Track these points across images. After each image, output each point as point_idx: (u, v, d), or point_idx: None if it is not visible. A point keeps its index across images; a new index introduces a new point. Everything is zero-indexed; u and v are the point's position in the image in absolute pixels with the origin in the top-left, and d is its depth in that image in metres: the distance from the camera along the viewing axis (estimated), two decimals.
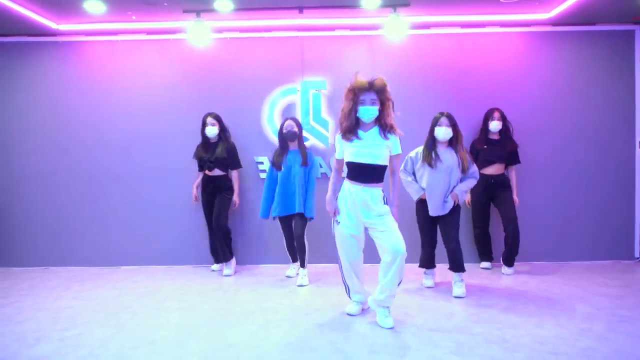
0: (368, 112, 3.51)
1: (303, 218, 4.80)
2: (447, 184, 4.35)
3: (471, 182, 4.46)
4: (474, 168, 4.45)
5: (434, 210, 4.37)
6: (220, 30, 5.61)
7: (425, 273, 4.71)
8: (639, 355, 2.99)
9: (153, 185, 5.70)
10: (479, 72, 5.65)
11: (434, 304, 4.05)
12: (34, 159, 5.73)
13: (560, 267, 5.38)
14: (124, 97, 5.71)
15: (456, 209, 4.41)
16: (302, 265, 4.84)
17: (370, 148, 3.50)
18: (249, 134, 5.58)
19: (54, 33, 5.59)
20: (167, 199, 5.64)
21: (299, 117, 5.63)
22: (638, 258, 5.60)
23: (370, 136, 3.54)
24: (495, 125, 5.13)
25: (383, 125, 3.56)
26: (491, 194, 5.19)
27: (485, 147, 5.19)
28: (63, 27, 5.44)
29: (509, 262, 5.07)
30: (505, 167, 5.23)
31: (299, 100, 5.65)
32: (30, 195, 5.74)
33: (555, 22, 5.55)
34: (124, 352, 3.10)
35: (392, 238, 3.38)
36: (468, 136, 5.37)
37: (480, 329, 3.42)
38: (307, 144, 5.62)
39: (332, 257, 4.84)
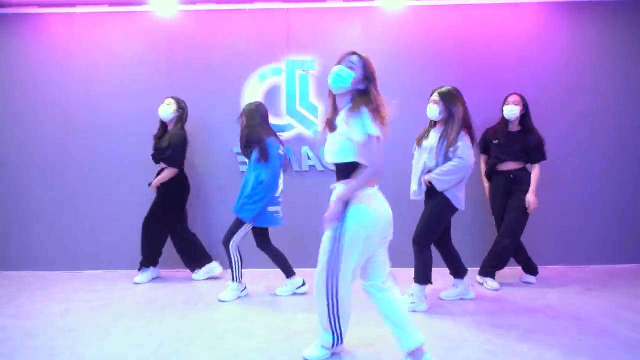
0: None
1: (237, 220, 3.98)
2: (424, 166, 3.74)
3: (452, 167, 3.58)
4: (464, 151, 3.60)
5: (411, 194, 3.87)
6: (194, 2, 4.89)
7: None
8: None
9: (119, 177, 5.01)
10: (488, 48, 4.95)
11: (439, 325, 3.39)
12: None
13: (580, 272, 4.72)
14: (84, 77, 5.01)
15: (437, 202, 3.69)
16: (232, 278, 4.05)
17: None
18: (227, 122, 4.84)
19: (4, 4, 4.88)
20: (134, 194, 4.95)
21: (284, 101, 4.93)
22: None
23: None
24: (508, 111, 4.30)
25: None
26: (510, 193, 4.40)
27: (496, 141, 4.40)
28: None
29: (486, 272, 4.32)
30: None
31: (284, 82, 4.94)
32: None
33: None
34: None
35: None
36: (475, 121, 4.66)
37: None
38: (293, 132, 4.94)
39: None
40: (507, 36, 4.96)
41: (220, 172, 4.94)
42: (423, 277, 3.70)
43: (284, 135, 4.89)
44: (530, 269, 4.44)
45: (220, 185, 4.94)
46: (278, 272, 4.21)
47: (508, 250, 4.27)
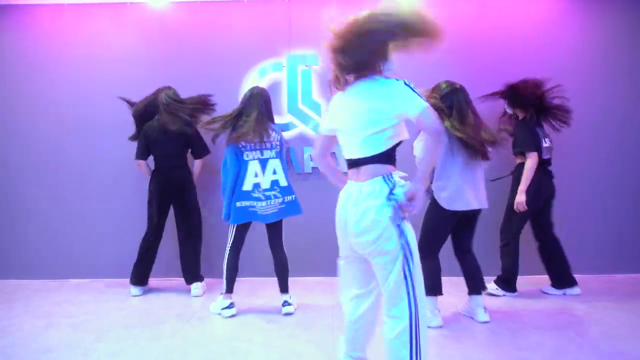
0: None
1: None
2: None
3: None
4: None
5: None
6: None
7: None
8: None
9: (113, 178, 4.68)
10: (494, 42, 4.64)
11: (456, 346, 3.06)
12: None
13: (605, 281, 4.39)
14: (73, 72, 4.70)
15: (428, 206, 3.44)
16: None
17: None
18: None
19: None
20: (129, 196, 4.62)
21: (285, 98, 4.61)
22: None
23: None
24: None
25: None
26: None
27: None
28: None
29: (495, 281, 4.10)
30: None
31: (285, 78, 4.61)
32: None
33: None
34: None
35: None
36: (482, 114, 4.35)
37: None
38: (294, 131, 4.62)
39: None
40: (514, 30, 4.64)
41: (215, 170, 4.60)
42: (430, 287, 3.30)
43: (285, 135, 4.57)
44: (559, 283, 4.08)
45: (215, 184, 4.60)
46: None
47: (505, 254, 4.02)
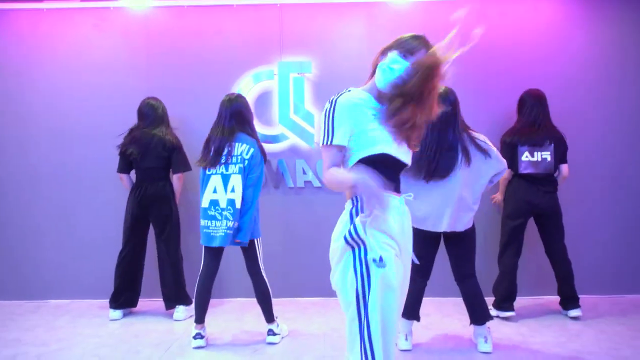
0: (402, 71, 1.88)
1: None
2: None
3: None
4: None
5: None
6: None
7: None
8: None
9: (92, 191, 4.42)
10: (501, 46, 4.37)
11: None
12: None
13: (616, 302, 4.13)
14: (53, 78, 4.44)
15: None
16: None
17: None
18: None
19: None
20: (109, 210, 4.36)
21: (276, 108, 4.37)
22: None
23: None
24: None
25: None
26: None
27: None
28: None
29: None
30: None
31: (276, 86, 4.37)
32: None
33: None
34: None
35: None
36: (487, 124, 4.12)
37: None
38: (286, 143, 4.39)
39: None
40: (521, 33, 4.40)
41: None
42: (405, 311, 3.09)
43: (276, 147, 4.33)
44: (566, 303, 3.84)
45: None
46: (275, 304, 3.56)
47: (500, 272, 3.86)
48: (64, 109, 4.45)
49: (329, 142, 1.84)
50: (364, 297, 1.77)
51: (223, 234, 3.23)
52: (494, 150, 3.13)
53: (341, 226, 1.87)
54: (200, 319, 3.31)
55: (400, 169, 1.97)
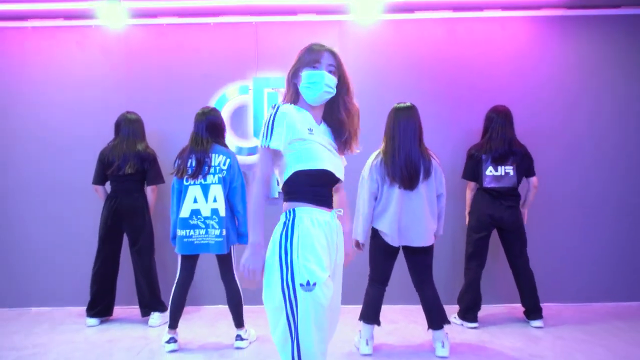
0: (322, 79, 1.96)
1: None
2: None
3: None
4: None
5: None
6: (154, 14, 4.52)
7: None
8: None
9: (73, 203, 4.56)
10: (474, 66, 4.56)
11: None
12: None
13: (580, 311, 4.25)
14: (36, 93, 4.61)
15: None
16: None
17: (331, 150, 2.06)
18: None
19: None
20: (90, 221, 4.48)
21: (250, 122, 4.53)
22: None
23: (322, 133, 2.07)
24: None
25: (337, 126, 2.09)
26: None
27: None
28: None
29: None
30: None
31: (251, 101, 4.54)
32: None
33: (569, 4, 4.49)
34: None
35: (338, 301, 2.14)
36: (457, 139, 4.31)
37: None
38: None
39: None
40: (494, 51, 4.59)
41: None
42: (366, 315, 3.32)
43: (251, 159, 4.49)
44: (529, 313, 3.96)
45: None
46: (246, 311, 3.68)
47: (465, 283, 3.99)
48: (50, 121, 4.59)
49: (266, 144, 1.94)
50: (293, 319, 1.84)
51: (214, 242, 3.38)
52: (441, 172, 3.31)
53: (273, 240, 1.94)
54: (174, 324, 3.44)
55: (334, 184, 2.07)
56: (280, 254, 1.88)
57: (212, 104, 4.47)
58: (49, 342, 3.65)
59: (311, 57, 2.00)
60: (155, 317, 4.01)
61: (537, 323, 3.87)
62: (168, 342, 3.42)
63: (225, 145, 3.60)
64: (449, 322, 3.38)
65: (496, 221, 3.91)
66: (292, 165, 1.98)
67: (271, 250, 1.93)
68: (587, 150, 4.54)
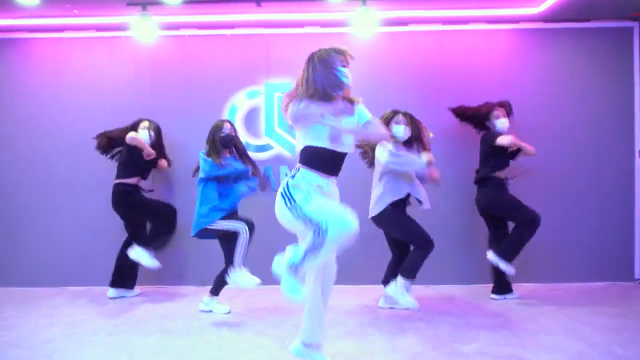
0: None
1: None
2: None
3: None
4: None
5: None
6: (175, 27, 5.10)
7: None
8: None
9: (102, 194, 5.09)
10: (461, 74, 5.15)
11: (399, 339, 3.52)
12: None
13: (551, 290, 4.85)
14: (71, 99, 5.20)
15: None
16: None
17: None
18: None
19: None
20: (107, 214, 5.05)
21: (262, 122, 5.13)
22: (638, 280, 5.07)
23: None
24: (502, 124, 4.57)
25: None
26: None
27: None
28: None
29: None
30: None
31: (263, 104, 5.13)
32: None
33: (546, 17, 5.05)
34: None
35: None
36: (448, 141, 4.91)
37: None
38: (271, 152, 5.15)
39: None
40: (480, 60, 5.17)
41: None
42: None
43: (263, 155, 5.08)
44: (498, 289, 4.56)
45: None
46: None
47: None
48: (80, 123, 5.15)
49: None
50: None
51: None
52: None
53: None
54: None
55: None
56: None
57: (228, 107, 5.08)
58: (92, 312, 4.27)
59: (338, 57, 2.83)
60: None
61: (514, 295, 4.52)
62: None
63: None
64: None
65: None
66: (308, 139, 2.78)
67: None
68: (564, 146, 5.10)
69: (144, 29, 4.60)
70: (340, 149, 2.73)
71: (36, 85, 5.22)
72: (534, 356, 3.13)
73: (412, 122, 4.20)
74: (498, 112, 4.57)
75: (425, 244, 4.01)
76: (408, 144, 4.19)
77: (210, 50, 5.18)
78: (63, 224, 5.18)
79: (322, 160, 2.73)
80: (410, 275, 4.01)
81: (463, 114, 4.72)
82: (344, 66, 2.74)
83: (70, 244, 5.17)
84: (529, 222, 4.32)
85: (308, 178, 2.71)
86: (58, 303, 4.58)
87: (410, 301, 4.00)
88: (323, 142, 2.68)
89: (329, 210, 2.54)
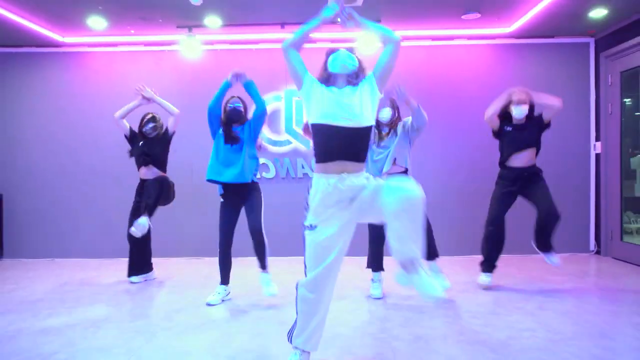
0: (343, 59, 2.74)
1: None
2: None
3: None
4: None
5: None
6: (211, 43, 6.14)
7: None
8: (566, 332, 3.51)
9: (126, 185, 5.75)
10: (448, 82, 6.18)
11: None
12: (41, 159, 6.28)
13: (521, 260, 5.82)
14: (122, 104, 6.18)
15: None
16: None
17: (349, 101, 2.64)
18: None
19: (59, 45, 6.12)
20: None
21: (283, 122, 6.17)
22: (593, 251, 6.12)
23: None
24: (520, 112, 4.62)
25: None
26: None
27: (509, 128, 4.63)
28: (68, 39, 5.98)
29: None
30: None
31: (283, 106, 6.17)
32: (36, 191, 6.28)
33: (517, 35, 6.08)
34: (124, 325, 3.63)
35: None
36: (436, 144, 5.91)
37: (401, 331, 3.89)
38: (290, 145, 6.17)
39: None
40: (463, 71, 6.21)
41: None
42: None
43: (282, 149, 6.13)
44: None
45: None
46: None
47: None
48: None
49: None
50: (304, 247, 2.64)
51: None
52: None
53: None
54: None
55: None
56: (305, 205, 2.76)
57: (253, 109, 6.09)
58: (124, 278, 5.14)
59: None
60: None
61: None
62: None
63: None
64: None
65: None
66: (310, 114, 2.90)
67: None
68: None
69: (190, 48, 5.61)
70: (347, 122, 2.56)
71: (93, 94, 6.24)
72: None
73: (394, 107, 4.50)
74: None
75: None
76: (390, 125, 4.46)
77: (239, 61, 6.17)
78: (116, 210, 6.16)
79: (325, 144, 2.63)
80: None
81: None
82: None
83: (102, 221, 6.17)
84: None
85: (315, 184, 2.62)
86: (120, 267, 5.56)
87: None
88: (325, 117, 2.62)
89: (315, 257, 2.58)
